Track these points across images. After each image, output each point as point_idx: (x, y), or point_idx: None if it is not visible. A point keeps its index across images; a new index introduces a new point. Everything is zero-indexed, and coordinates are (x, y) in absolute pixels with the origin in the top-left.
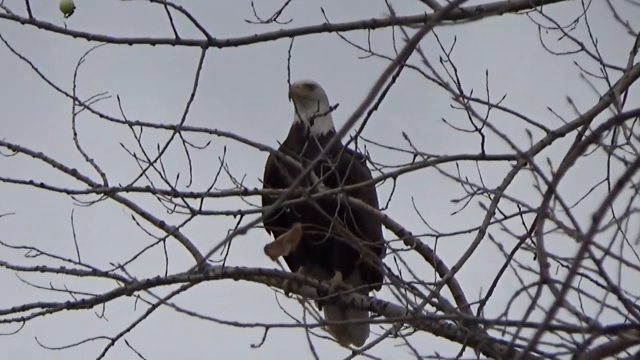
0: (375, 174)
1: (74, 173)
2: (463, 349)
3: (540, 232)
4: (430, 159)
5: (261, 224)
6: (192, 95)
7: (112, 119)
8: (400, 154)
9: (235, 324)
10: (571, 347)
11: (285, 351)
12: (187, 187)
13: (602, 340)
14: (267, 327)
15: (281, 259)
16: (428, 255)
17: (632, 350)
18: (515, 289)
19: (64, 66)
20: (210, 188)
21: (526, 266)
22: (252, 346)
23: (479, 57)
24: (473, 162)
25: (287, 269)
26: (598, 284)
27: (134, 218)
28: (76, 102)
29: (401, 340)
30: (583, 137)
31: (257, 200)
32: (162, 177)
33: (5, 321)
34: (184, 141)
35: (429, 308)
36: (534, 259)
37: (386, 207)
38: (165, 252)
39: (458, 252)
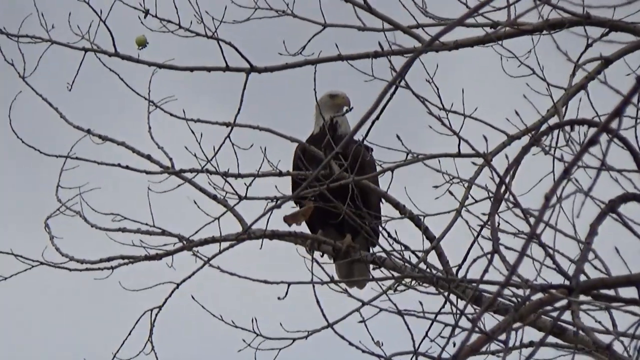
0: (377, 169)
1: (148, 158)
2: (446, 301)
3: (493, 213)
4: (419, 156)
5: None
6: (238, 110)
7: (177, 117)
8: (396, 153)
9: (265, 282)
10: (515, 300)
11: (304, 301)
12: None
13: (538, 295)
14: (289, 284)
15: (303, 224)
16: (418, 223)
17: (560, 303)
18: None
19: (139, 88)
20: (258, 171)
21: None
22: (279, 298)
23: (456, 79)
24: (452, 159)
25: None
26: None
27: (195, 203)
28: (151, 104)
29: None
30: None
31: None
32: (214, 169)
33: (98, 269)
34: (233, 145)
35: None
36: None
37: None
38: (218, 221)
39: (440, 227)
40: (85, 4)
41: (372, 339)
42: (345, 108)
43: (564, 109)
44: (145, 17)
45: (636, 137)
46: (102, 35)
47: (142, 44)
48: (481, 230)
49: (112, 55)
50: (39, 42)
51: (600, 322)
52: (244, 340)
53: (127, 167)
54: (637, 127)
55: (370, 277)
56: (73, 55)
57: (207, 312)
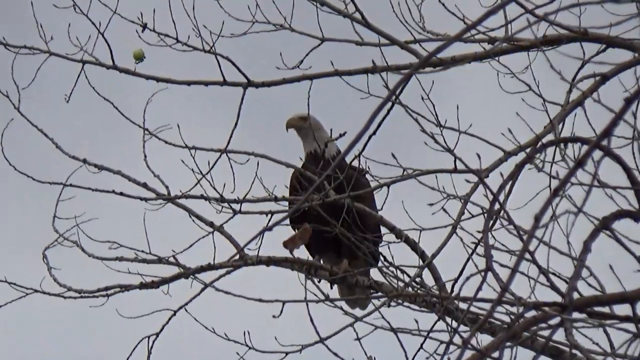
0: (374, 184)
1: (144, 185)
2: (439, 319)
3: (486, 231)
4: (415, 172)
5: (286, 222)
6: (235, 124)
7: (173, 144)
8: (393, 168)
9: (260, 300)
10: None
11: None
12: (232, 193)
13: (531, 313)
14: (284, 302)
15: (302, 248)
16: (414, 246)
17: (553, 321)
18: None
19: (136, 101)
20: (247, 194)
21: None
22: (274, 317)
23: (453, 95)
24: (449, 176)
25: (308, 256)
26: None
27: (191, 216)
28: (146, 132)
29: (394, 310)
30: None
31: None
32: (211, 185)
33: (94, 296)
34: (229, 159)
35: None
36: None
37: (381, 209)
38: (214, 244)
39: (436, 245)
40: (84, 16)
41: (365, 354)
42: (320, 129)
43: (561, 125)
44: (143, 31)
45: (633, 154)
46: (100, 49)
47: (139, 57)
48: (475, 248)
49: (109, 68)
50: (37, 54)
51: (598, 344)
52: (237, 354)
53: (121, 194)
54: (633, 145)
55: (366, 295)
56: (71, 67)
57: (201, 326)
